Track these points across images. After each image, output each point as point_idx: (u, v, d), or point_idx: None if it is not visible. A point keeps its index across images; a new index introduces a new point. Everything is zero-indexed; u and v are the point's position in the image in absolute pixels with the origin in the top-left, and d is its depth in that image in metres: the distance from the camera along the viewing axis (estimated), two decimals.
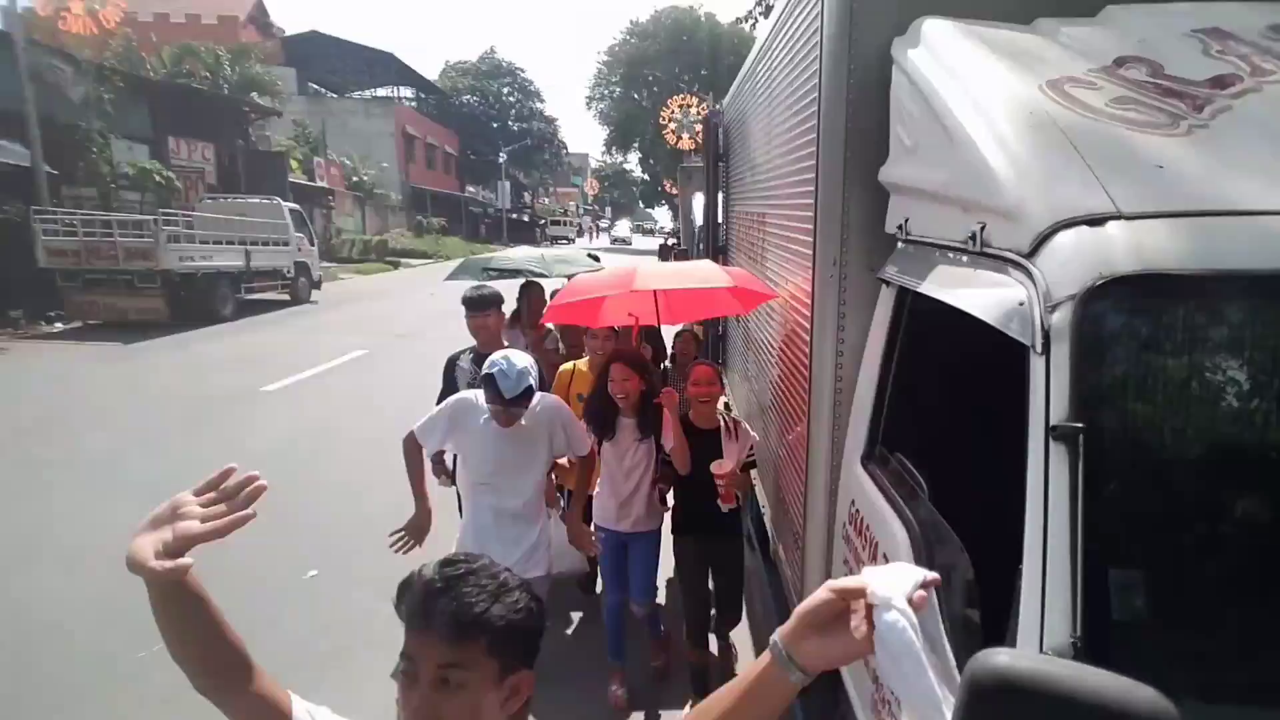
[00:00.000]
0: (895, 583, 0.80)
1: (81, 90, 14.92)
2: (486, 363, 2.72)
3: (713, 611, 3.50)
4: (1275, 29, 1.82)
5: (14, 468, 6.15)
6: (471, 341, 3.80)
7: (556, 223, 56.03)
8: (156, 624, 0.98)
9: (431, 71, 53.92)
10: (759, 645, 3.72)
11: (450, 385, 3.68)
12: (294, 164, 24.75)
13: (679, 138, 26.73)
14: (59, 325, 13.30)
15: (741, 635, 3.83)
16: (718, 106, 8.10)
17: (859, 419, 1.94)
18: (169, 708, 2.39)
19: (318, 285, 18.76)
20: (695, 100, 27.61)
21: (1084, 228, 1.24)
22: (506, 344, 3.64)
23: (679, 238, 19.36)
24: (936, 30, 1.91)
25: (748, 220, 4.49)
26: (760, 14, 16.65)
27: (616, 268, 4.20)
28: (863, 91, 2.12)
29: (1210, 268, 1.14)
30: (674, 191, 31.87)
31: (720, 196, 5.93)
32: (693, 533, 3.37)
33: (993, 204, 1.42)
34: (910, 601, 0.78)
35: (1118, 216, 1.24)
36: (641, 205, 67.43)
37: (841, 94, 2.18)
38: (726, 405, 3.79)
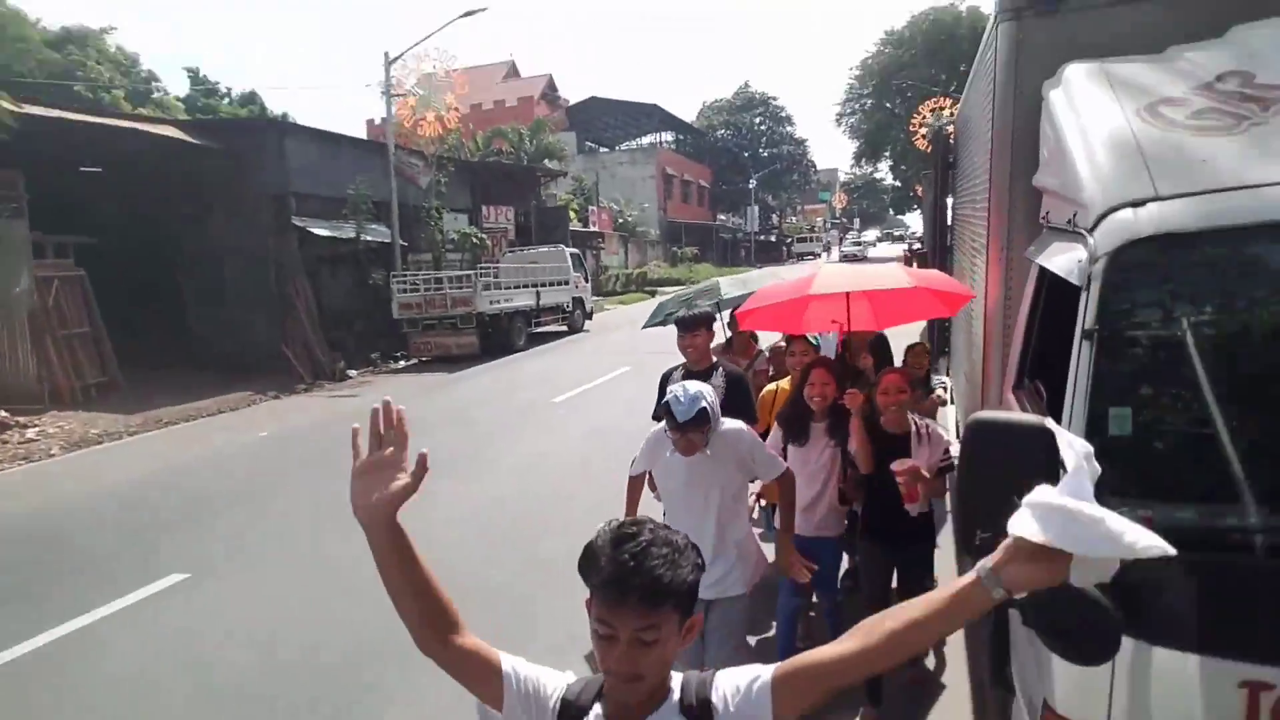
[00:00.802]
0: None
1: (428, 179, 18.80)
2: (667, 393, 2.82)
3: None
4: None
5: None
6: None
7: (803, 239, 56.34)
8: (383, 580, 1.18)
9: (690, 113, 57.51)
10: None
11: (663, 396, 3.95)
12: (572, 213, 28.29)
13: (929, 142, 25.95)
14: (402, 363, 16.76)
15: None
16: (953, 113, 8.43)
17: (1013, 361, 2.58)
18: None
19: (590, 316, 21.41)
20: (949, 102, 26.71)
21: (1129, 209, 1.87)
22: (716, 359, 3.87)
23: (923, 242, 19.05)
24: (1073, 72, 2.53)
25: (963, 221, 5.03)
26: None
27: (800, 274, 4.29)
28: (1024, 121, 2.78)
29: (1209, 226, 1.75)
30: (923, 195, 30.84)
31: (950, 200, 6.40)
32: (879, 538, 3.37)
33: (1080, 199, 2.07)
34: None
35: (1156, 199, 1.86)
36: (892, 213, 65.15)
37: (1009, 124, 2.85)
38: (941, 400, 4.02)
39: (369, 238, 17.14)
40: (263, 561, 5.73)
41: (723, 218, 54.62)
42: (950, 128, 6.62)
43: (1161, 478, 1.78)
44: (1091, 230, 1.96)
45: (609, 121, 47.49)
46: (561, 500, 6.54)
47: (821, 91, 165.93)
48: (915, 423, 3.33)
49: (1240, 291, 1.83)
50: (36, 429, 10.53)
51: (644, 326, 6.44)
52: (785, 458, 3.32)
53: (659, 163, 44.36)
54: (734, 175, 55.72)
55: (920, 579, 3.37)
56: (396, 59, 18.16)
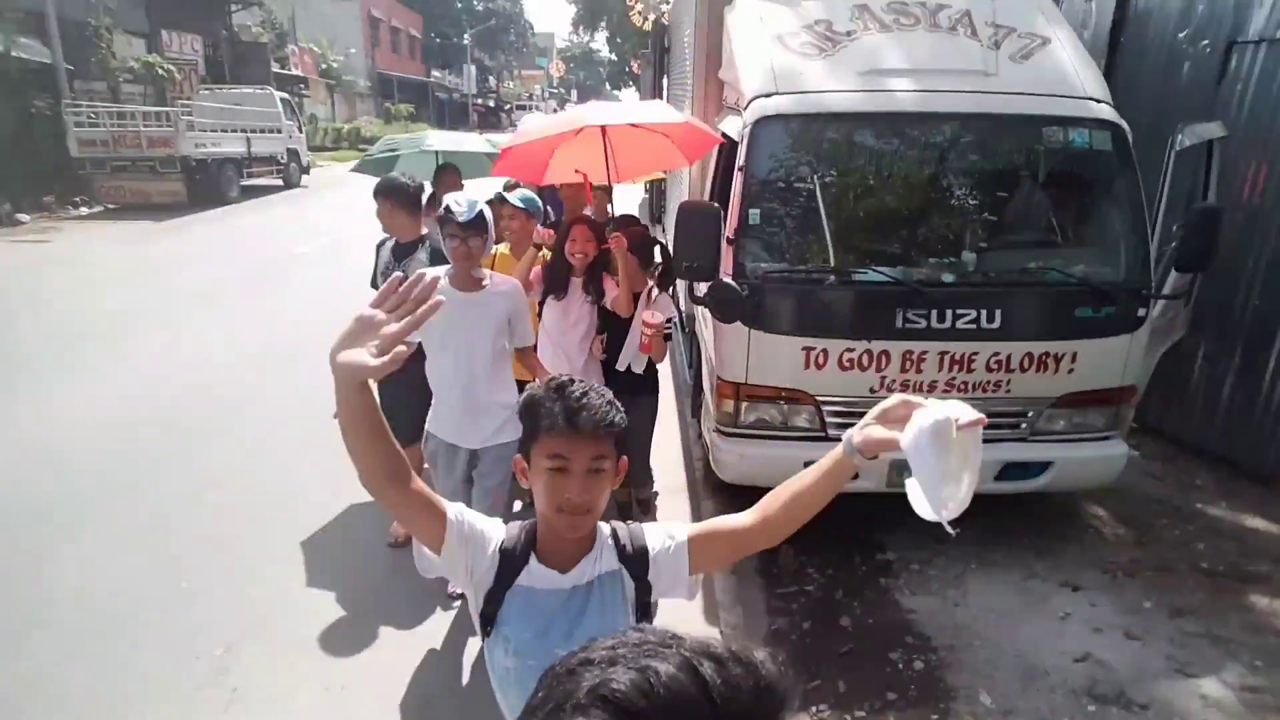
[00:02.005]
0: (950, 409, 1.10)
1: None
2: (441, 205, 2.83)
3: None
4: (893, 5, 3.92)
5: (156, 299, 8.24)
6: None
7: (522, 107, 55.96)
8: (343, 428, 1.17)
9: None
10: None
11: (378, 265, 3.83)
12: None
13: (645, 19, 27.52)
14: (84, 210, 14.83)
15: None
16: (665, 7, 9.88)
17: (707, 188, 4.18)
18: None
19: (307, 170, 20.26)
20: None
21: (762, 99, 3.42)
22: (426, 230, 3.71)
23: None
24: (741, 6, 4.02)
25: (676, 99, 6.56)
26: None
27: (570, 111, 4.38)
28: (713, 33, 4.23)
29: (797, 112, 3.34)
30: (639, 72, 32.72)
31: (665, 80, 7.93)
32: (615, 386, 3.90)
33: (740, 91, 3.59)
34: (958, 425, 1.08)
35: (775, 94, 3.42)
36: (608, 87, 66.93)
37: (704, 34, 4.29)
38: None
39: (21, 54, 14.46)
40: None
41: (438, 74, 51.96)
42: (666, 19, 8.06)
43: (778, 248, 3.44)
44: (744, 110, 3.50)
45: None
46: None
47: None
48: (648, 282, 3.63)
49: (812, 145, 3.50)
50: None
51: (354, 168, 6.52)
52: (542, 312, 3.60)
53: (364, 1, 40.53)
54: (447, 27, 52.74)
55: (648, 431, 3.83)
56: None
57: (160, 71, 17.36)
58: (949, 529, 1.13)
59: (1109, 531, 4.10)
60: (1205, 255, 3.46)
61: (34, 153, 14.59)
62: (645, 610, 1.40)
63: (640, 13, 27.88)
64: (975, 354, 3.43)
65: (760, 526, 1.33)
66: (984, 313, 3.40)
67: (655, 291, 3.62)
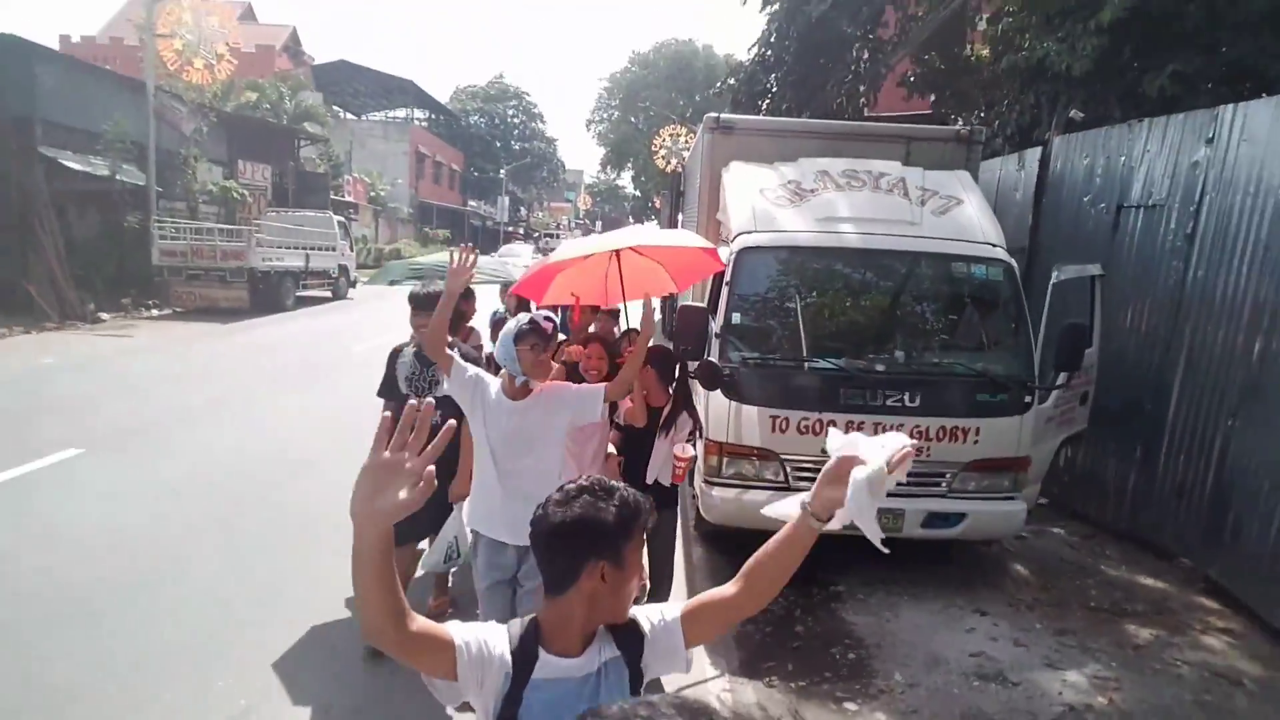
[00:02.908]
0: (880, 448, 1.26)
1: (192, 127, 18.43)
2: (522, 320, 2.93)
3: (645, 583, 3.87)
4: (850, 172, 5.32)
5: (224, 394, 9.55)
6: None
7: (550, 235, 59.59)
8: (357, 572, 1.17)
9: (443, 94, 57.69)
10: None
11: (391, 374, 3.92)
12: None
13: (668, 163, 30.39)
14: (154, 311, 16.54)
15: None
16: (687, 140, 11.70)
17: (708, 298, 5.47)
18: None
19: (354, 284, 22.23)
20: (684, 130, 31.34)
21: (744, 235, 4.77)
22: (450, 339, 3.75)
23: None
24: (734, 166, 5.47)
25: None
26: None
27: (603, 236, 4.58)
28: (713, 185, 5.66)
29: (770, 245, 4.67)
30: (659, 207, 35.60)
31: (680, 216, 9.49)
32: None
33: (731, 229, 4.95)
34: (890, 462, 1.24)
35: (753, 232, 4.77)
36: (631, 220, 71.15)
37: (708, 185, 5.73)
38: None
39: (123, 178, 16.65)
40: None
41: (474, 204, 55.92)
42: (682, 167, 9.73)
43: (754, 341, 4.68)
44: (732, 241, 4.83)
45: (359, 89, 46.35)
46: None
47: (572, 97, 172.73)
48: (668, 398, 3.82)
49: (781, 269, 4.79)
50: None
51: (368, 282, 7.32)
52: None
53: (412, 140, 44.52)
54: (485, 163, 57.27)
55: (670, 539, 3.98)
56: None
57: (235, 195, 19.62)
58: (883, 549, 1.37)
59: (1022, 579, 5.06)
60: (1072, 359, 4.64)
61: (120, 260, 16.51)
62: (636, 688, 1.44)
63: (664, 157, 31.04)
64: (901, 425, 4.52)
65: (745, 593, 1.41)
66: (907, 394, 4.57)
67: (677, 414, 3.80)
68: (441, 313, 2.91)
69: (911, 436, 4.23)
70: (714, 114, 6.26)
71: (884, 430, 4.18)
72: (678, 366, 3.99)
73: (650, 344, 3.42)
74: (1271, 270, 4.64)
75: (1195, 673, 3.96)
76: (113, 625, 3.98)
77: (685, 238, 4.54)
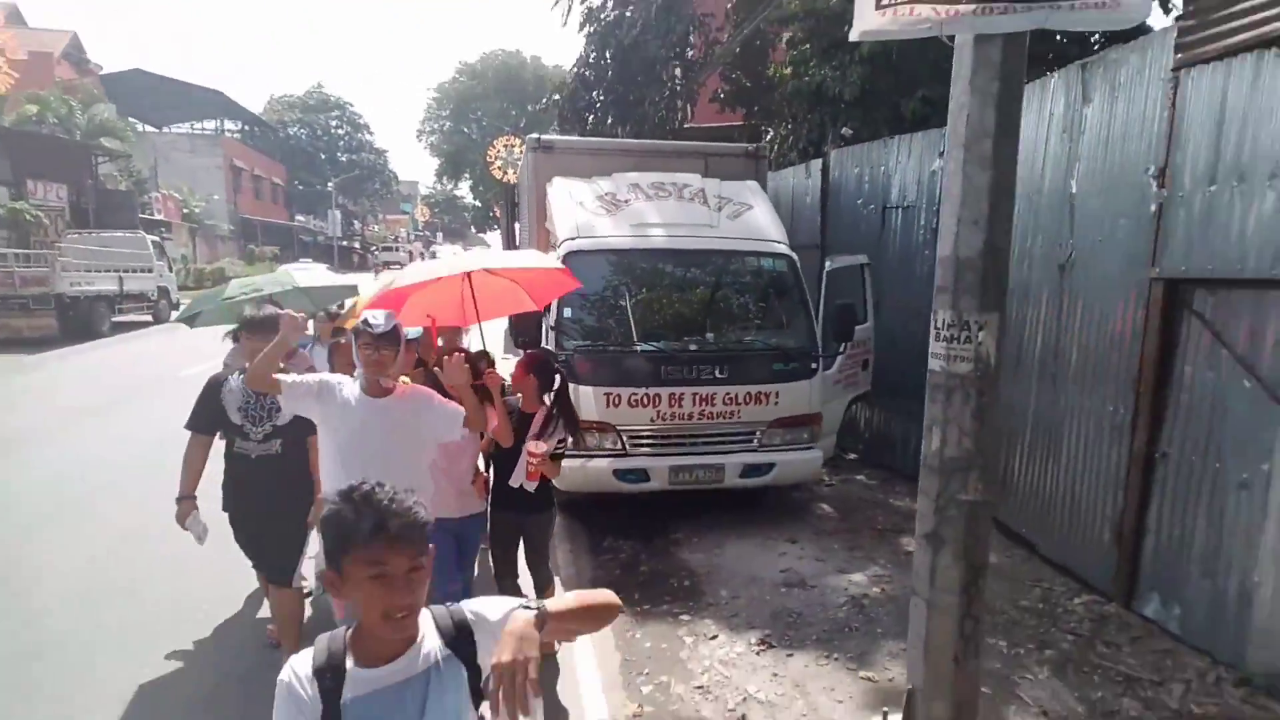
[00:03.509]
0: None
1: None
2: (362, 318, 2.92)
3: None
4: (656, 184, 6.18)
5: (44, 417, 9.05)
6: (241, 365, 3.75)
7: (388, 248, 57.59)
8: None
9: (256, 105, 54.38)
10: None
11: (211, 406, 3.57)
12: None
13: (505, 173, 30.72)
14: None
15: None
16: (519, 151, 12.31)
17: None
18: None
19: (176, 306, 20.91)
20: (518, 141, 31.80)
21: (568, 241, 5.50)
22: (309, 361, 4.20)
23: None
24: (556, 181, 6.21)
25: (523, 240, 8.66)
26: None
27: (435, 262, 4.94)
28: (540, 198, 6.36)
29: (586, 249, 5.42)
30: (499, 216, 35.82)
31: (516, 225, 10.09)
32: (508, 507, 3.66)
33: (557, 236, 5.65)
34: None
35: (577, 237, 5.50)
36: (474, 230, 70.38)
37: (536, 198, 6.42)
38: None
39: None
40: None
41: (302, 218, 53.24)
42: (514, 179, 10.33)
43: (587, 332, 5.40)
44: (558, 247, 5.54)
45: (158, 101, 42.90)
46: None
47: (399, 107, 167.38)
48: (546, 403, 3.72)
49: (601, 268, 5.54)
50: None
51: (179, 319, 6.38)
52: None
53: (226, 153, 41.77)
54: (311, 176, 54.67)
55: (545, 541, 3.90)
56: None
57: (28, 217, 17.94)
58: None
59: (826, 515, 6.13)
60: (844, 332, 5.74)
61: None
62: (478, 694, 1.42)
63: (499, 167, 31.24)
64: (714, 394, 5.45)
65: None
66: (717, 368, 5.47)
67: (550, 416, 3.69)
68: (271, 358, 2.90)
69: (724, 403, 5.15)
70: (535, 135, 7.01)
71: (701, 400, 5.04)
72: (556, 375, 3.81)
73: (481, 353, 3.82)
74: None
75: None
76: None
77: (537, 259, 4.51)
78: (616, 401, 5.33)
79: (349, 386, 2.99)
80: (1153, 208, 4.13)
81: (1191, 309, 3.97)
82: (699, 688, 3.76)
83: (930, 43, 7.59)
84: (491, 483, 3.75)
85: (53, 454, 7.52)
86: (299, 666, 1.36)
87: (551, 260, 4.67)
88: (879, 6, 2.21)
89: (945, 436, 2.33)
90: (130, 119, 40.30)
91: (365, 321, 2.91)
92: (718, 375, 5.49)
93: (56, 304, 15.21)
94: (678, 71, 12.51)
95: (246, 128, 50.98)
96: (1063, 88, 4.93)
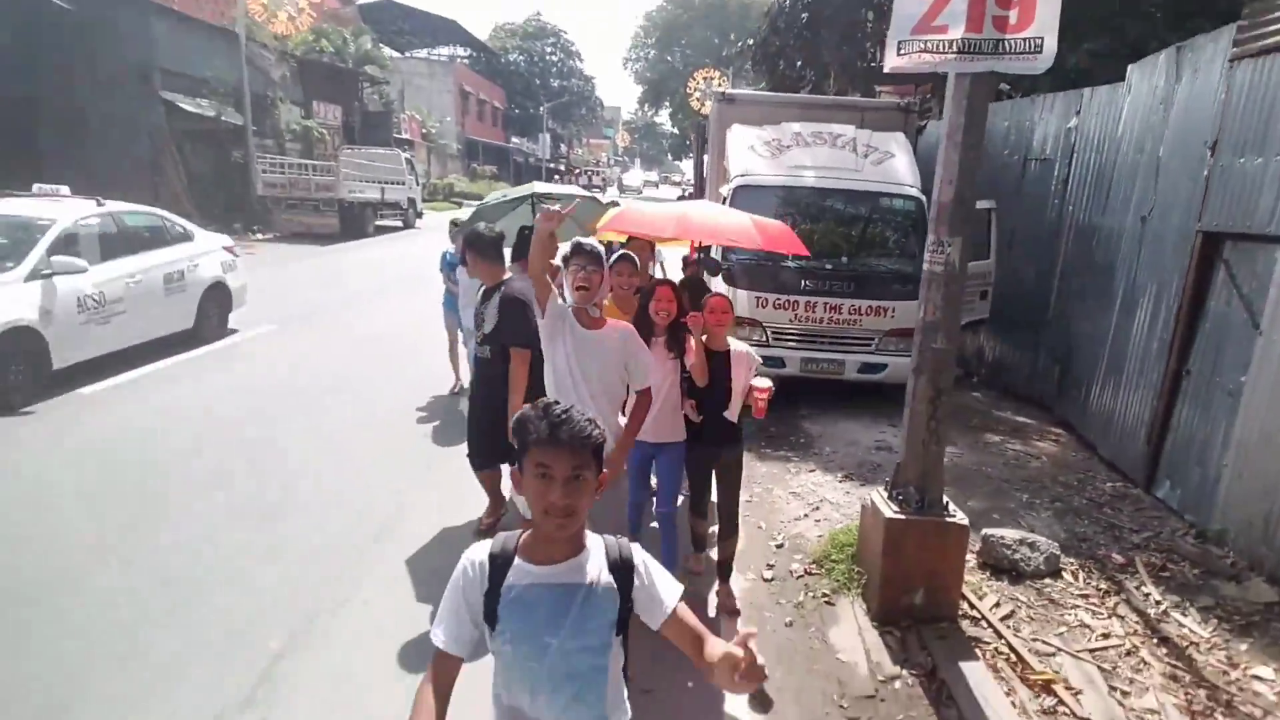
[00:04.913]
0: None
1: (280, 73, 20.84)
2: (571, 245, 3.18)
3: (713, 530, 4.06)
4: (815, 134, 7.60)
5: (333, 303, 12.21)
6: None
7: (592, 171, 61.32)
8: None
9: (482, 32, 58.95)
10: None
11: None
12: None
13: (702, 104, 32.13)
14: (260, 235, 19.28)
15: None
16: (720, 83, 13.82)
17: None
18: None
19: (420, 215, 24.85)
20: (717, 74, 32.93)
21: (740, 176, 7.14)
22: (509, 275, 4.24)
23: (693, 184, 25.05)
24: (735, 128, 7.80)
25: (709, 172, 10.31)
26: None
27: (668, 210, 5.21)
28: (720, 140, 8.00)
29: (757, 184, 7.04)
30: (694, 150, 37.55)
31: (705, 158, 11.74)
32: (705, 442, 3.76)
33: (731, 172, 7.30)
34: None
35: (747, 174, 7.13)
36: (669, 157, 72.35)
37: (718, 140, 8.07)
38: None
39: (226, 119, 19.22)
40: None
41: (517, 140, 57.75)
42: (708, 111, 11.88)
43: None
44: (731, 181, 7.22)
45: (402, 28, 48.12)
46: None
47: (608, 35, 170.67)
48: (731, 343, 3.73)
49: (764, 200, 7.11)
50: None
51: (466, 223, 6.77)
52: None
53: (457, 78, 46.34)
54: (526, 100, 58.84)
55: (737, 477, 3.94)
56: None
57: (316, 134, 22.10)
58: None
59: None
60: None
61: (229, 192, 19.23)
62: (624, 622, 1.59)
63: (698, 99, 32.79)
64: (841, 304, 6.96)
65: (700, 664, 1.50)
66: (847, 284, 6.96)
67: (741, 348, 3.77)
68: (535, 250, 3.02)
69: (849, 312, 6.76)
70: (720, 90, 8.62)
71: (831, 309, 6.61)
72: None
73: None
74: (1104, 203, 6.81)
75: (1014, 453, 6.40)
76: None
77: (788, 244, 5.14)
78: (764, 303, 7.00)
79: (567, 314, 3.18)
80: (1204, 173, 5.08)
81: (1221, 256, 4.96)
82: (793, 493, 5.51)
83: None
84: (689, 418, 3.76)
85: (353, 319, 10.48)
86: (477, 552, 1.58)
87: (755, 238, 4.87)
88: (899, 54, 3.65)
89: (926, 308, 3.82)
90: (381, 46, 45.97)
91: (578, 242, 3.17)
92: (846, 290, 6.99)
93: (338, 207, 19.08)
94: (869, 16, 13.29)
95: (474, 54, 55.61)
96: (1163, 66, 5.76)
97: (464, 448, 4.52)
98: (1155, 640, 3.76)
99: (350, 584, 4.01)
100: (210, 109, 18.80)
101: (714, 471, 3.91)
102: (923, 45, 3.66)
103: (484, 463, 4.38)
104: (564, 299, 3.27)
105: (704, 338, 3.64)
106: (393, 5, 44.73)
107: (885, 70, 3.84)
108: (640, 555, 1.63)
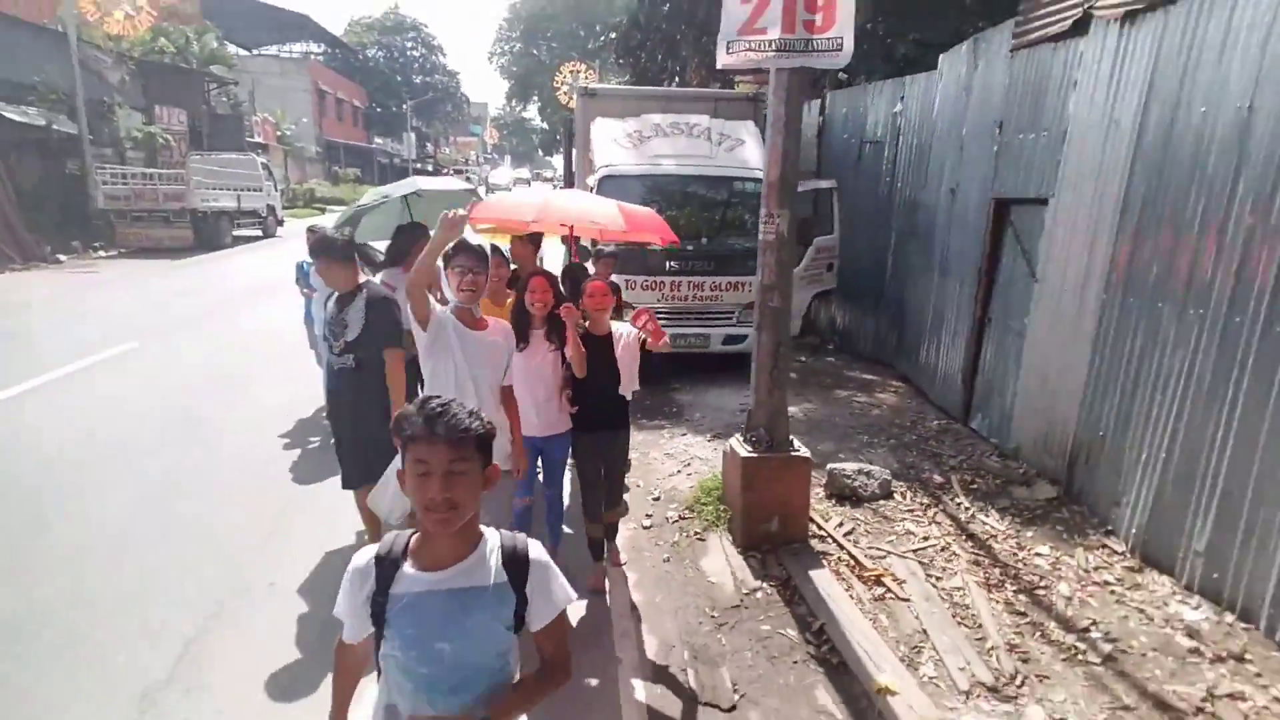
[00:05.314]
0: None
1: (117, 76, 19.47)
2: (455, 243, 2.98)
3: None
4: (672, 124, 8.17)
5: (191, 309, 11.80)
6: None
7: (459, 171, 60.26)
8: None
9: (337, 27, 56.66)
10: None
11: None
12: None
13: (570, 98, 32.47)
14: (102, 252, 18.04)
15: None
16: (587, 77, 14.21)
17: None
18: None
19: (281, 223, 23.91)
20: (584, 67, 33.34)
21: (605, 168, 7.61)
22: (364, 279, 3.86)
23: (563, 179, 25.41)
24: (598, 121, 8.28)
25: (577, 166, 10.74)
26: None
27: (530, 198, 5.27)
28: (585, 133, 8.45)
29: (615, 174, 7.52)
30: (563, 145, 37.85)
31: (574, 152, 12.15)
32: (589, 427, 3.80)
33: (595, 163, 7.76)
34: None
35: (610, 165, 7.61)
36: (540, 153, 72.08)
37: (583, 133, 8.51)
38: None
39: (59, 127, 17.85)
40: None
41: (380, 141, 55.97)
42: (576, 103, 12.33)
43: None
44: (597, 171, 7.68)
45: (248, 23, 45.62)
46: None
47: (471, 28, 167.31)
48: (614, 326, 3.82)
49: (626, 189, 7.60)
50: None
51: (336, 226, 6.20)
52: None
53: (313, 77, 44.46)
54: (388, 99, 57.07)
55: (621, 459, 4.09)
56: None
57: (160, 140, 20.83)
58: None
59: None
60: (803, 239, 7.72)
61: (64, 206, 17.88)
62: (520, 620, 1.60)
63: (565, 93, 33.09)
64: (703, 282, 7.58)
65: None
66: (708, 263, 7.58)
67: (621, 331, 3.83)
68: (425, 263, 2.90)
69: (710, 290, 7.40)
70: (583, 85, 9.06)
71: (695, 287, 7.19)
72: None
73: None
74: (924, 180, 7.73)
75: (859, 404, 7.23)
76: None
77: (656, 230, 5.38)
78: (633, 286, 7.49)
79: (448, 316, 3.14)
80: (994, 148, 5.99)
81: (1009, 220, 5.88)
82: (667, 454, 6.05)
83: None
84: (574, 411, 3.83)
85: (220, 329, 10.22)
86: (365, 555, 1.58)
87: (619, 221, 4.93)
88: (728, 52, 4.22)
89: (764, 272, 4.42)
90: (226, 43, 43.41)
91: (461, 241, 3.03)
92: (707, 268, 7.61)
93: (191, 218, 18.14)
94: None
95: (329, 50, 53.41)
96: (966, 55, 6.68)
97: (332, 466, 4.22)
98: (964, 537, 4.54)
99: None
100: (39, 117, 17.37)
101: (601, 458, 3.91)
102: (748, 45, 4.24)
103: (360, 481, 3.89)
104: (443, 300, 3.26)
105: (586, 323, 3.69)
106: (236, 1, 42.36)
107: (717, 67, 4.38)
108: (537, 551, 1.63)
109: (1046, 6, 5.38)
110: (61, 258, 16.58)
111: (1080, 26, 5.01)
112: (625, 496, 4.78)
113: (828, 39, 4.16)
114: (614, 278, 6.85)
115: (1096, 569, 4.13)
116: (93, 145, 19.22)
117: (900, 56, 10.02)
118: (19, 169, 17.35)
